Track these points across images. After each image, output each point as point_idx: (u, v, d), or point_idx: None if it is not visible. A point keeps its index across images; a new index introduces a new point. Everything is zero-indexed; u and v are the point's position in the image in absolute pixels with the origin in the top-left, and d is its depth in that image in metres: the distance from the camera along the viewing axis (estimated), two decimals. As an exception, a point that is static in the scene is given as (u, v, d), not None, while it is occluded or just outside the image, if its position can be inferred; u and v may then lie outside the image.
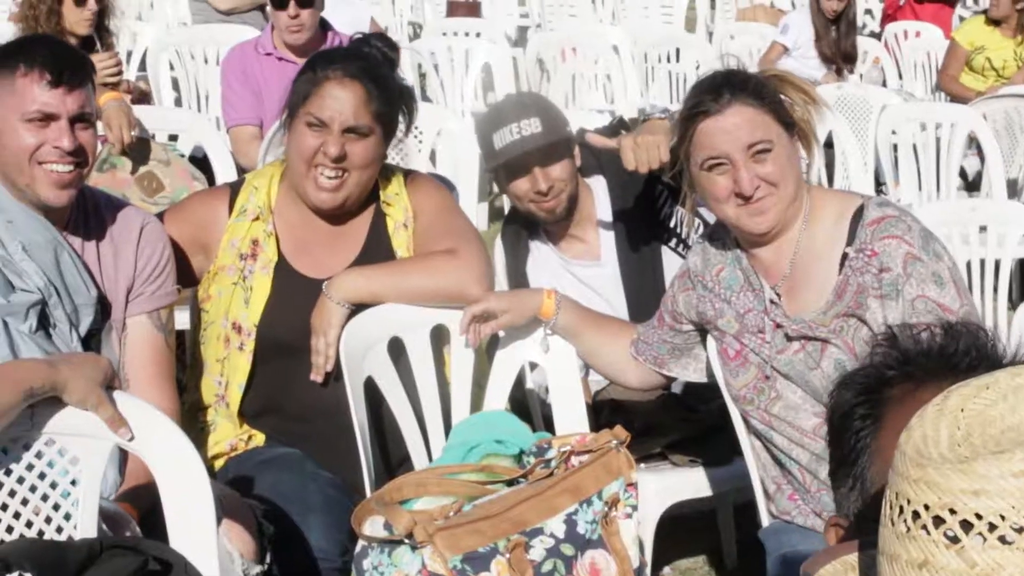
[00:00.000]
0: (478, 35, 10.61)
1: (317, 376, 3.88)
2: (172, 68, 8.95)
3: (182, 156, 5.94)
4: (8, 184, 3.56)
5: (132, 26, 9.59)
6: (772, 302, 3.53)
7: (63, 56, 3.60)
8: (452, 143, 6.82)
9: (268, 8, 7.21)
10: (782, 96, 3.52)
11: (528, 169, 4.44)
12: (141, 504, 3.35)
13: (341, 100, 3.92)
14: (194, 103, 8.84)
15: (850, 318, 3.44)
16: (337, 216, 4.05)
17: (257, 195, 4.07)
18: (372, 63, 4.03)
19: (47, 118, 3.51)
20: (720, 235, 3.67)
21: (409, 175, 4.20)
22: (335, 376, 3.87)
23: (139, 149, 5.71)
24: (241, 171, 6.30)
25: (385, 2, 13.01)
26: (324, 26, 7.19)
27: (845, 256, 3.48)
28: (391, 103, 4.00)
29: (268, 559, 3.48)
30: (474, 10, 12.04)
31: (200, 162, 6.20)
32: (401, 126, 4.07)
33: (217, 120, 7.68)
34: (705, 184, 3.50)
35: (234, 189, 4.15)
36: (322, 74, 3.95)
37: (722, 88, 3.47)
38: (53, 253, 3.57)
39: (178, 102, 8.94)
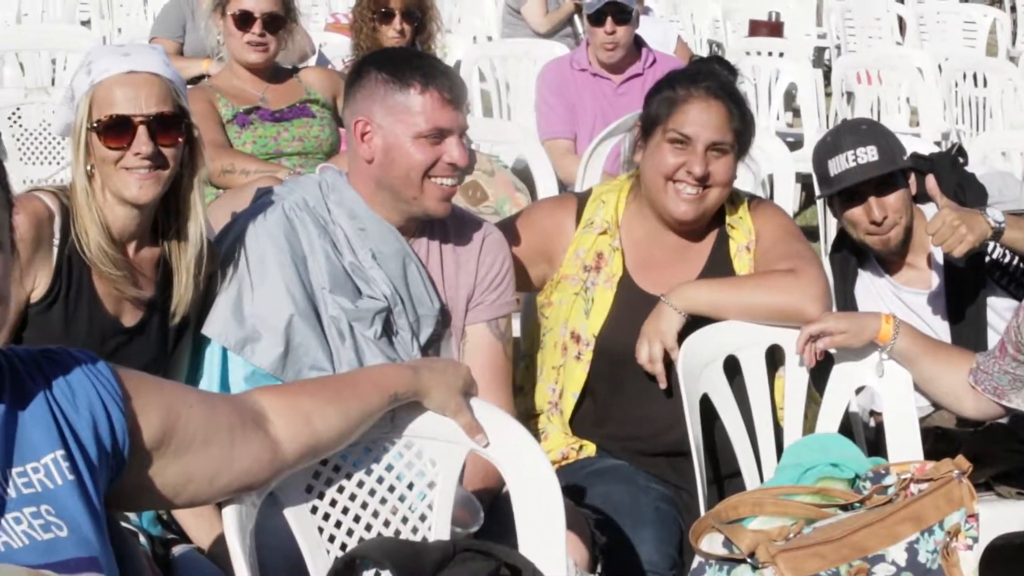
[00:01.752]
0: (781, 55, 10.55)
1: (663, 383, 3.91)
2: (482, 79, 9.11)
3: (505, 167, 6.03)
4: (370, 192, 3.65)
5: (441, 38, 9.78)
6: (1125, 338, 3.45)
7: (451, 73, 3.70)
8: (759, 162, 6.78)
9: (584, 25, 7.26)
10: None
11: (863, 197, 4.43)
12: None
13: (706, 117, 3.97)
14: (500, 115, 8.99)
15: None
16: (685, 233, 4.10)
17: (605, 209, 4.13)
18: (728, 83, 4.07)
19: (441, 134, 3.60)
20: (1071, 268, 3.61)
21: (753, 200, 4.23)
22: (668, 391, 3.91)
23: (465, 159, 5.81)
24: (560, 185, 6.37)
25: (685, 20, 13.02)
26: (638, 43, 7.24)
27: None
28: (747, 122, 4.05)
29: (599, 569, 3.53)
30: (776, 30, 11.96)
31: (518, 174, 6.29)
32: None
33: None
34: None
35: (581, 200, 4.21)
36: (684, 92, 4.00)
37: None
38: (401, 263, 3.66)
39: (484, 113, 9.09)
